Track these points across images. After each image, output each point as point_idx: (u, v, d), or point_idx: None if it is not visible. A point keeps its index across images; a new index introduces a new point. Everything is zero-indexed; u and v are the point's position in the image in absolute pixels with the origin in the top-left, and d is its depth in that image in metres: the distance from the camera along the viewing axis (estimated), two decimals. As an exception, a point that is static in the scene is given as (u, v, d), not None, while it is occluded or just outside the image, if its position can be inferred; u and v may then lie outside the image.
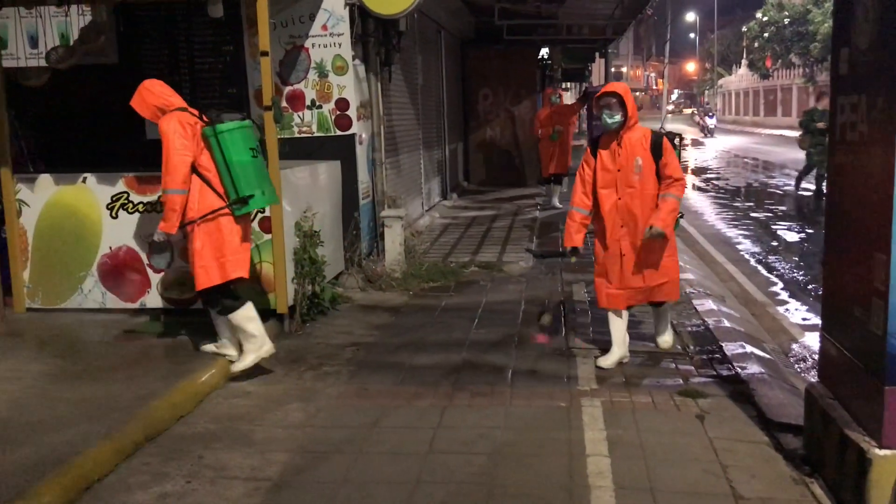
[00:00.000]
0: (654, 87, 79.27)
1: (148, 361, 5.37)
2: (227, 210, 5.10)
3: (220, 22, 6.83)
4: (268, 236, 6.12)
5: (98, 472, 3.80)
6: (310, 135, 7.76)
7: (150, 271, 6.32)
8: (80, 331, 6.07)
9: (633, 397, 4.81)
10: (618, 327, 5.38)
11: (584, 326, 6.29)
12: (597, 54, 23.13)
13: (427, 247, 9.79)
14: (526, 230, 11.10)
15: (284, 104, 7.67)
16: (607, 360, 5.33)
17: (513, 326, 6.35)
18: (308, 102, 7.72)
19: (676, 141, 5.53)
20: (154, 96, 5.18)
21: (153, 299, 6.34)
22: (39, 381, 4.99)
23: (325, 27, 7.56)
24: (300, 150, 7.63)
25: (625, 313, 5.40)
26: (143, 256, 6.31)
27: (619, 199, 5.19)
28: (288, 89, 7.67)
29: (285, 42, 7.56)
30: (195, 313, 6.28)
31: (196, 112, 5.20)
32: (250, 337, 5.19)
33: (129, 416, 4.31)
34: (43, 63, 7.68)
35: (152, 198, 6.25)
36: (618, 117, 5.09)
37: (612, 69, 22.12)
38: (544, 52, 20.10)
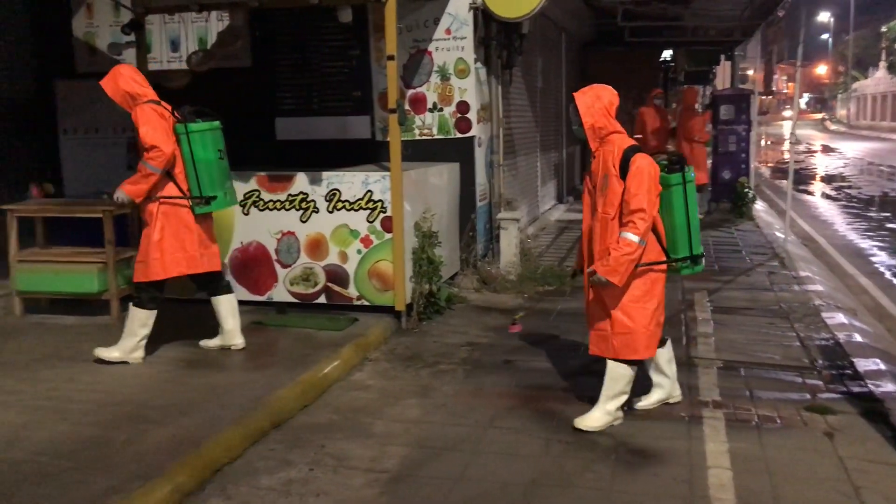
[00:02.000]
0: (783, 91, 76.04)
1: (274, 352, 5.60)
2: (186, 206, 5.33)
3: (347, 27, 7.05)
4: (388, 235, 6.27)
5: (228, 455, 3.99)
6: (430, 137, 7.88)
7: (277, 266, 6.58)
8: (212, 320, 6.37)
9: (757, 410, 4.65)
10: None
11: (707, 336, 6.12)
12: (722, 57, 22.40)
13: (542, 250, 9.76)
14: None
15: (407, 107, 7.82)
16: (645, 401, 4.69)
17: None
18: (430, 105, 7.85)
19: (662, 161, 4.47)
20: (127, 82, 5.26)
21: (280, 293, 6.60)
22: (175, 366, 5.30)
23: (448, 31, 7.66)
24: (421, 152, 7.76)
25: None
26: (272, 252, 6.57)
27: (592, 223, 4.50)
28: (411, 92, 7.81)
29: (409, 46, 7.71)
30: (319, 307, 6.51)
31: (168, 107, 5.36)
32: (131, 337, 5.35)
33: (256, 404, 4.51)
34: (183, 66, 8.13)
35: (282, 196, 6.51)
36: (577, 126, 4.44)
37: (739, 72, 21.36)
38: (667, 54, 19.65)
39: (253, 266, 6.66)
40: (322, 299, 6.53)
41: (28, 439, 4.10)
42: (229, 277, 6.68)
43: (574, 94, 4.47)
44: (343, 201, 6.40)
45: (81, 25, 8.80)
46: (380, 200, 6.29)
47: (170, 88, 7.84)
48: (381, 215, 6.29)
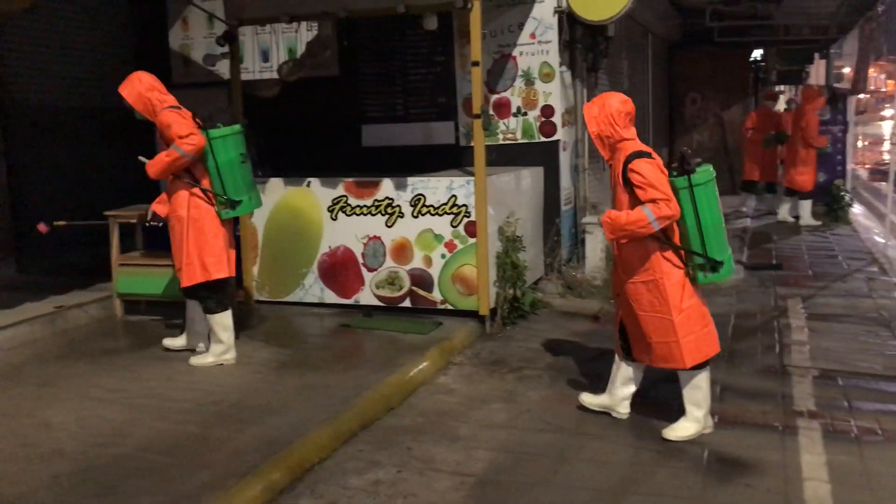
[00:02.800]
0: (881, 89, 72.82)
1: (361, 354, 5.70)
2: (213, 211, 5.40)
3: (432, 34, 7.13)
4: (472, 240, 6.30)
5: (318, 455, 4.09)
6: (514, 141, 7.89)
7: (364, 270, 6.70)
8: (301, 323, 6.55)
9: (857, 422, 4.47)
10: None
11: (801, 344, 5.93)
12: (816, 55, 21.64)
13: (628, 255, 9.61)
14: (736, 240, 10.60)
15: (491, 112, 7.84)
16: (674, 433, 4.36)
17: (722, 340, 6.05)
18: (514, 110, 7.85)
19: (673, 164, 4.23)
20: (147, 88, 5.36)
21: (366, 296, 6.72)
22: (267, 367, 5.45)
23: (532, 35, 7.65)
24: (505, 156, 7.77)
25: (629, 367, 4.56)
26: (359, 256, 6.69)
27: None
28: (495, 97, 7.84)
29: (494, 51, 7.73)
30: (404, 311, 6.59)
31: (189, 113, 5.44)
32: (218, 342, 5.48)
33: (345, 405, 4.60)
34: (274, 76, 8.37)
35: (368, 201, 6.62)
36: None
37: (834, 70, 20.57)
38: (757, 53, 19.11)
39: (340, 270, 6.79)
40: (407, 303, 6.60)
41: (131, 435, 4.29)
42: (318, 281, 6.85)
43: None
44: (427, 206, 6.47)
45: (178, 38, 9.16)
46: (464, 205, 6.33)
47: (261, 98, 8.10)
48: (465, 220, 6.33)
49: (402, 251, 6.57)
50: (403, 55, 8.41)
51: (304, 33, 8.46)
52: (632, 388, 4.59)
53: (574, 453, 4.18)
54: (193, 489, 3.64)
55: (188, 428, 4.38)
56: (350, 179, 6.74)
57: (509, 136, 7.87)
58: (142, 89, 5.33)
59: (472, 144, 6.30)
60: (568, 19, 7.91)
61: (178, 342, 5.79)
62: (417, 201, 6.47)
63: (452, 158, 7.87)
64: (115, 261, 6.76)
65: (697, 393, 4.34)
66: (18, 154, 8.03)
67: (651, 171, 4.13)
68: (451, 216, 6.37)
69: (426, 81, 8.32)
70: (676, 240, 4.24)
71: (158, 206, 5.69)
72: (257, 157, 7.96)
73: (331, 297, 6.84)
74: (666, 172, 4.20)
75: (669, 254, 4.23)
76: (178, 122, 5.25)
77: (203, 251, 5.38)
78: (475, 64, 6.11)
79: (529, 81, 7.72)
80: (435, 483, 3.86)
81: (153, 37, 9.24)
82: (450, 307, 6.46)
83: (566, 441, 4.33)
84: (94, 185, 8.57)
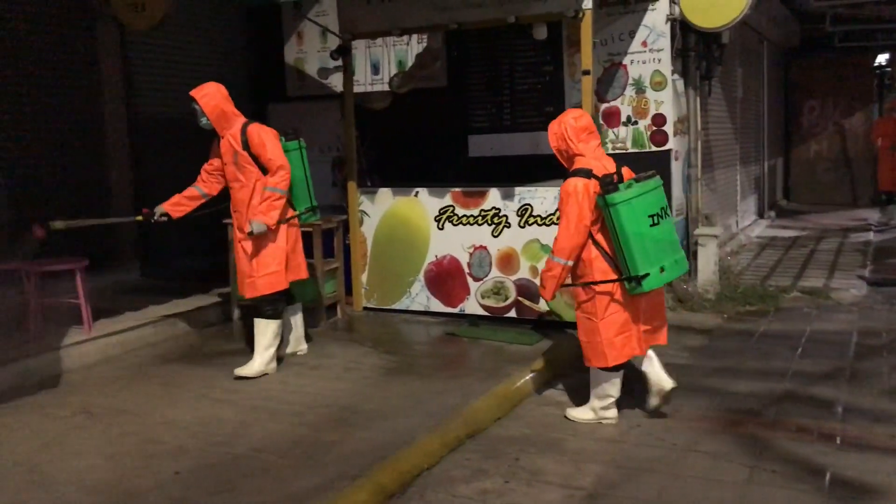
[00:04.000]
0: None
1: (467, 363, 5.72)
2: (295, 223, 5.61)
3: (541, 44, 7.11)
4: (581, 251, 6.22)
5: (427, 461, 4.11)
6: (624, 151, 7.75)
7: (469, 280, 6.73)
8: (407, 330, 6.64)
9: None
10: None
11: (932, 365, 5.58)
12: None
13: (742, 268, 9.30)
14: (858, 254, 10.09)
15: (600, 121, 7.75)
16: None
17: (843, 359, 5.82)
18: (623, 119, 7.73)
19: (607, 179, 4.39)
20: (224, 100, 5.47)
21: (471, 305, 6.74)
22: (375, 373, 5.54)
23: (644, 43, 7.52)
24: (614, 166, 7.65)
25: None
26: (465, 265, 6.73)
27: None
28: (604, 106, 7.74)
29: (604, 60, 7.64)
30: (509, 321, 6.57)
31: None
32: (269, 349, 5.50)
33: (453, 413, 4.62)
34: (383, 88, 8.54)
35: (475, 211, 6.65)
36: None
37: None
38: (882, 58, 18.17)
39: (446, 279, 6.85)
40: (512, 313, 6.59)
41: (247, 436, 4.44)
42: (424, 289, 6.92)
43: None
44: (535, 216, 6.44)
45: (293, 52, 9.46)
46: (573, 215, 6.26)
47: (372, 110, 8.27)
48: (575, 230, 6.26)
49: (508, 261, 6.56)
50: (511, 65, 8.42)
51: (415, 46, 8.59)
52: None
53: (687, 470, 4.06)
54: (306, 490, 3.73)
55: (300, 430, 4.50)
56: (457, 189, 6.79)
57: (619, 145, 7.75)
58: (219, 98, 5.44)
59: (581, 154, 6.22)
60: (681, 27, 7.75)
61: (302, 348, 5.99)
62: (524, 211, 6.46)
63: (560, 168, 7.78)
64: (232, 267, 7.02)
65: (601, 391, 4.68)
66: (144, 165, 8.47)
67: (567, 198, 4.45)
68: (559, 226, 6.32)
69: (534, 91, 8.29)
70: (610, 252, 4.48)
71: (172, 208, 5.75)
72: (367, 167, 8.15)
73: (437, 305, 6.90)
74: (598, 192, 4.38)
75: (602, 264, 4.50)
76: (275, 149, 5.42)
77: (285, 259, 5.51)
78: (586, 73, 6.06)
79: (640, 90, 7.59)
80: (543, 495, 3.82)
81: (269, 51, 9.59)
82: (556, 318, 6.40)
83: (678, 457, 4.21)
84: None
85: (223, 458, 4.15)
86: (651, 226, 4.33)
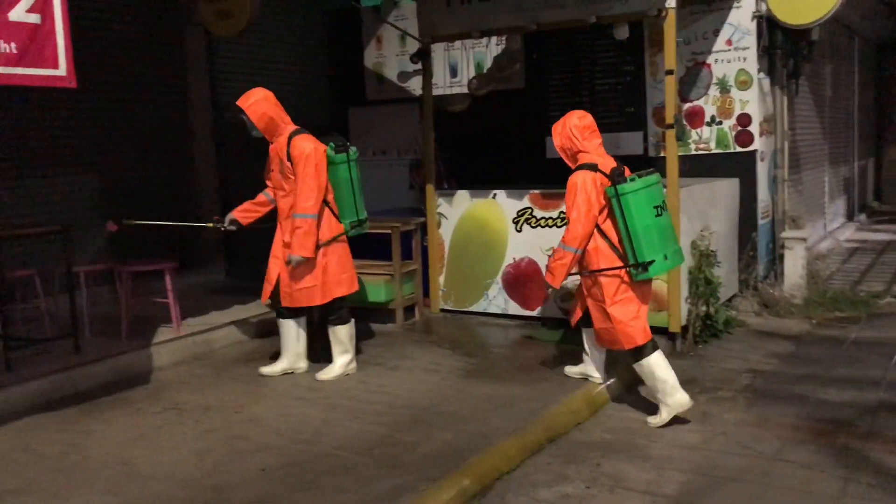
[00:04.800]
0: None
1: (546, 367, 5.67)
2: (342, 229, 5.50)
3: (621, 44, 7.00)
4: (663, 254, 6.11)
5: (507, 465, 4.10)
6: (707, 151, 7.59)
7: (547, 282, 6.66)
8: (485, 333, 6.63)
9: None
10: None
11: None
12: None
13: (831, 272, 8.97)
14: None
15: (683, 121, 7.59)
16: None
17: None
18: (707, 119, 7.56)
19: (616, 172, 4.68)
20: (272, 106, 5.31)
21: (549, 308, 6.68)
22: (454, 375, 5.55)
23: (729, 42, 7.34)
24: (697, 167, 7.49)
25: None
26: (543, 268, 6.66)
27: None
28: (687, 106, 7.58)
29: (687, 59, 7.49)
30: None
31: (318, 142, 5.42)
32: (347, 353, 5.57)
33: (533, 417, 4.60)
34: (461, 90, 8.56)
35: (553, 213, 6.60)
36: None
37: None
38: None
39: (524, 282, 6.81)
40: (592, 317, 6.49)
41: (328, 434, 4.51)
42: (502, 292, 6.90)
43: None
44: (616, 219, 6.34)
45: (372, 56, 9.59)
46: (655, 218, 6.15)
47: (451, 112, 8.30)
48: (656, 233, 6.15)
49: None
50: (591, 65, 8.34)
51: (493, 48, 8.59)
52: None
53: (776, 481, 3.94)
54: (388, 490, 3.76)
55: (381, 430, 4.54)
56: (536, 191, 6.75)
57: (702, 145, 7.58)
58: (266, 106, 5.29)
59: (662, 155, 6.13)
60: (767, 24, 7.52)
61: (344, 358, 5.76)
62: (605, 213, 6.36)
63: (641, 169, 7.66)
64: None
65: (654, 382, 4.72)
66: (229, 170, 8.70)
67: (576, 190, 4.68)
68: (641, 229, 6.21)
69: (614, 91, 8.19)
70: (615, 241, 4.68)
71: (241, 215, 5.70)
72: (444, 170, 8.19)
73: (514, 308, 6.87)
74: (605, 184, 4.64)
75: (608, 252, 4.70)
76: (309, 178, 5.23)
77: (343, 268, 5.50)
78: (669, 72, 5.93)
79: (725, 89, 7.41)
80: (626, 502, 3.77)
81: (349, 56, 9.74)
82: (637, 322, 6.29)
83: (766, 467, 4.09)
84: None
85: (306, 455, 4.22)
86: (655, 216, 4.60)
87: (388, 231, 6.85)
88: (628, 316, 4.68)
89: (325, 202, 5.43)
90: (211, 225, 5.97)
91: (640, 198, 4.56)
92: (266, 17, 8.46)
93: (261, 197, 5.72)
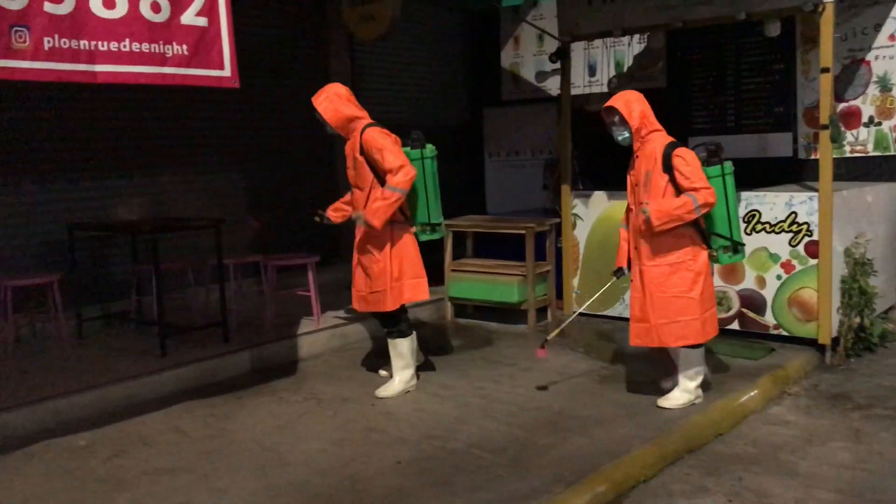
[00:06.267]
0: None
1: (684, 375, 5.48)
2: (411, 232, 5.22)
3: (769, 41, 6.69)
4: (814, 261, 5.80)
5: (643, 473, 3.99)
6: (864, 154, 7.13)
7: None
8: (620, 338, 6.46)
9: None
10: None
11: None
12: None
13: None
14: None
15: (838, 122, 7.16)
16: None
17: None
18: (864, 119, 7.10)
19: (702, 154, 4.61)
20: (346, 105, 5.05)
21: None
22: (588, 379, 5.47)
23: (892, 37, 6.86)
24: (852, 170, 7.06)
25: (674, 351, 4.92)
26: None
27: (635, 218, 4.83)
28: (843, 106, 7.15)
29: (843, 56, 7.06)
30: (731, 333, 6.22)
31: (393, 135, 5.11)
32: (408, 368, 5.29)
33: (671, 426, 4.46)
34: (599, 90, 8.42)
35: (695, 216, 6.37)
36: (626, 133, 4.79)
37: None
38: None
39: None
40: (735, 325, 6.24)
41: (462, 432, 4.54)
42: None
43: (611, 105, 4.79)
44: (763, 223, 6.06)
45: (509, 57, 9.59)
46: (805, 223, 5.84)
47: (589, 111, 8.16)
48: (806, 239, 5.84)
49: (732, 270, 6.22)
50: (737, 64, 8.00)
51: (634, 46, 8.40)
52: None
53: (940, 509, 3.65)
54: (523, 491, 3.74)
55: (514, 430, 4.53)
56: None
57: (858, 148, 7.13)
58: (338, 102, 5.06)
59: (814, 157, 5.81)
60: (937, 17, 6.98)
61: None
62: (751, 217, 6.10)
63: (789, 172, 7.31)
64: (447, 266, 7.23)
65: (691, 368, 4.80)
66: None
67: (694, 161, 4.58)
68: (790, 234, 5.91)
69: (761, 90, 7.82)
70: (701, 223, 4.65)
71: (333, 213, 5.55)
72: (579, 170, 8.07)
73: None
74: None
75: (695, 234, 4.66)
76: (389, 150, 4.95)
77: (406, 272, 5.17)
78: (825, 70, 5.61)
79: (886, 88, 6.93)
80: (771, 520, 3.59)
81: (486, 56, 9.78)
82: (784, 333, 6.00)
83: (930, 494, 3.80)
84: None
85: (440, 451, 4.26)
86: None
87: (522, 231, 6.83)
88: (705, 307, 4.76)
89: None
90: (317, 219, 5.69)
91: (733, 181, 4.79)
92: (405, 19, 8.62)
93: (348, 196, 5.49)
